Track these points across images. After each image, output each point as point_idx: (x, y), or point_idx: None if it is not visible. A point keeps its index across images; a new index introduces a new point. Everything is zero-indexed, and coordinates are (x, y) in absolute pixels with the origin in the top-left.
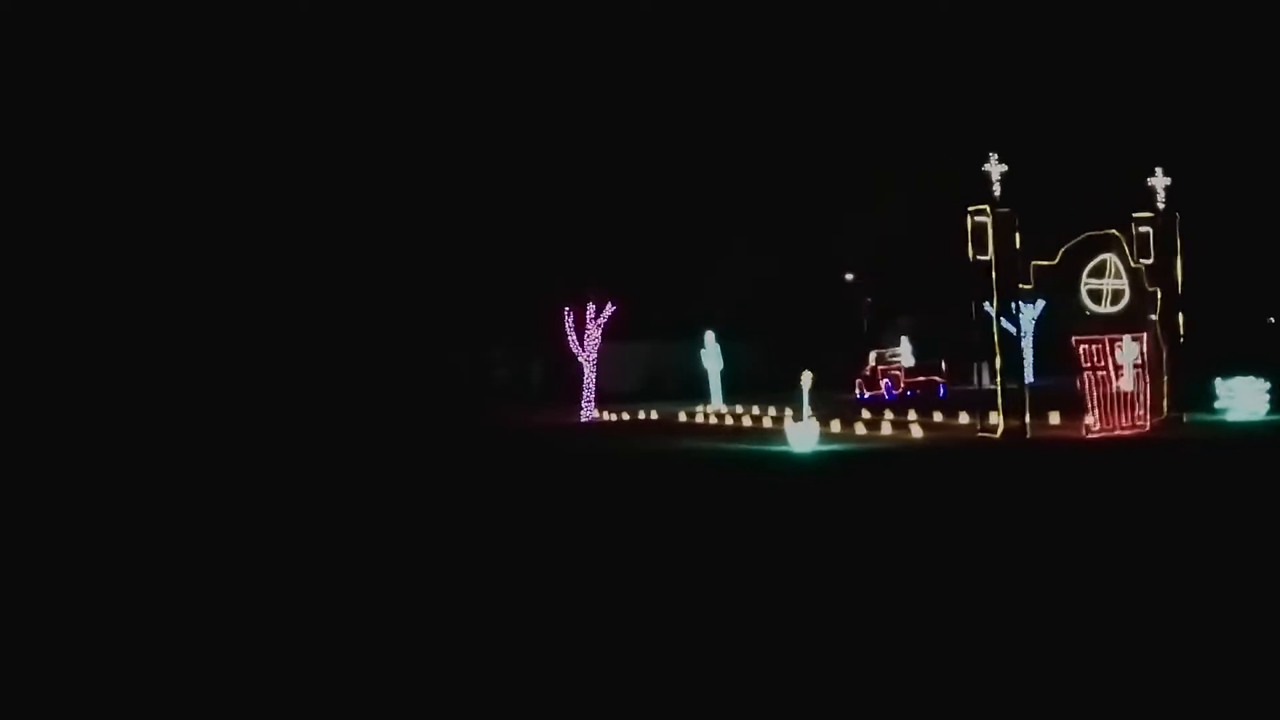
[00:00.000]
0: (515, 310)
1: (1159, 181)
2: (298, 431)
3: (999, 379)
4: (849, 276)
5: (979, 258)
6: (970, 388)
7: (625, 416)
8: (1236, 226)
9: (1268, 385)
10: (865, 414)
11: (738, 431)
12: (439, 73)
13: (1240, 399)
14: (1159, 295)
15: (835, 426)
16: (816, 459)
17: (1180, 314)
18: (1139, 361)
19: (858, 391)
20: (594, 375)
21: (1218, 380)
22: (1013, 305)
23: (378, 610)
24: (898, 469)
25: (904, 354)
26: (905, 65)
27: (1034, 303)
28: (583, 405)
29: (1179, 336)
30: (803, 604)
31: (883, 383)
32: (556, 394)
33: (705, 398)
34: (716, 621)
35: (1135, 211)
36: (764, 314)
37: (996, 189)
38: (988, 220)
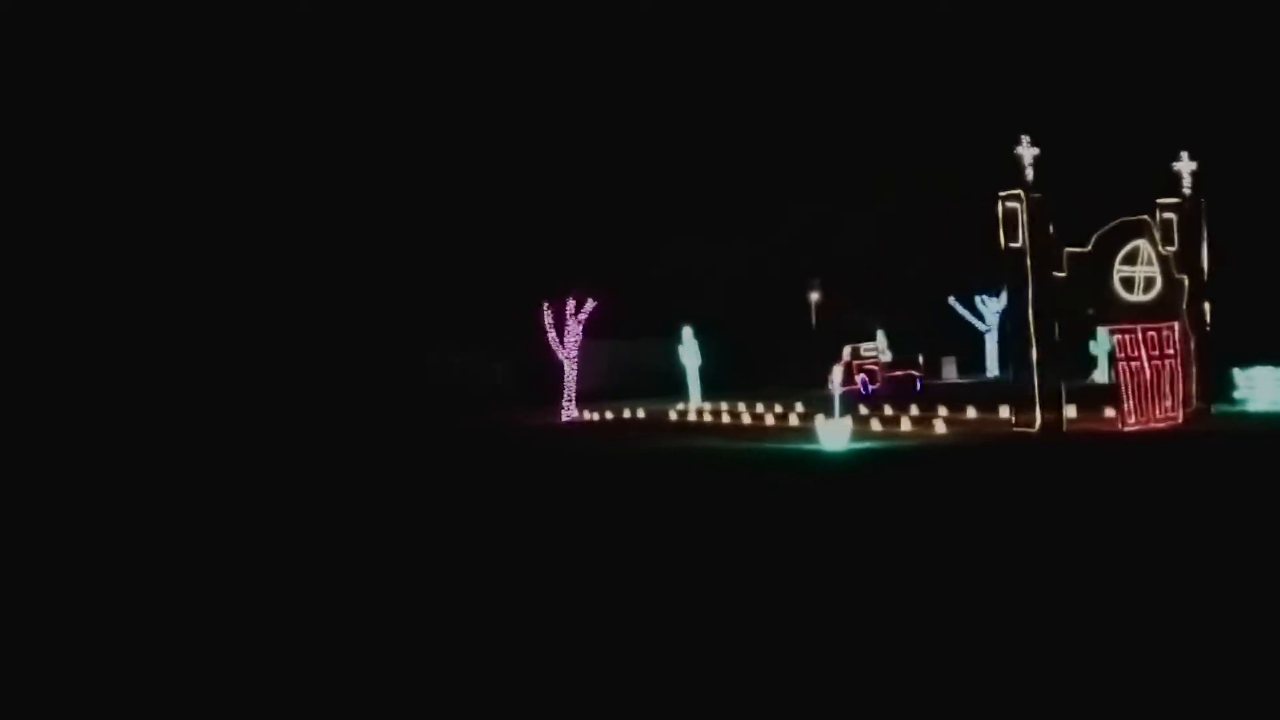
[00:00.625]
0: (477, 309)
1: (1185, 166)
2: (252, 437)
3: (1036, 371)
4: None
5: (1010, 245)
6: (937, 381)
7: (609, 416)
8: (1262, 212)
9: None
10: (865, 410)
11: (741, 430)
12: (403, 65)
13: (1260, 389)
14: (1186, 283)
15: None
16: (855, 458)
17: (1206, 303)
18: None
19: (831, 387)
20: (575, 373)
21: (1236, 370)
22: (978, 298)
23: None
24: (946, 467)
25: (880, 349)
26: (890, 58)
27: (998, 295)
28: (563, 405)
29: (1205, 326)
30: (889, 607)
31: (859, 378)
32: (524, 394)
33: (679, 395)
34: (804, 624)
35: (1160, 197)
36: (720, 310)
37: (1029, 173)
38: (1019, 206)
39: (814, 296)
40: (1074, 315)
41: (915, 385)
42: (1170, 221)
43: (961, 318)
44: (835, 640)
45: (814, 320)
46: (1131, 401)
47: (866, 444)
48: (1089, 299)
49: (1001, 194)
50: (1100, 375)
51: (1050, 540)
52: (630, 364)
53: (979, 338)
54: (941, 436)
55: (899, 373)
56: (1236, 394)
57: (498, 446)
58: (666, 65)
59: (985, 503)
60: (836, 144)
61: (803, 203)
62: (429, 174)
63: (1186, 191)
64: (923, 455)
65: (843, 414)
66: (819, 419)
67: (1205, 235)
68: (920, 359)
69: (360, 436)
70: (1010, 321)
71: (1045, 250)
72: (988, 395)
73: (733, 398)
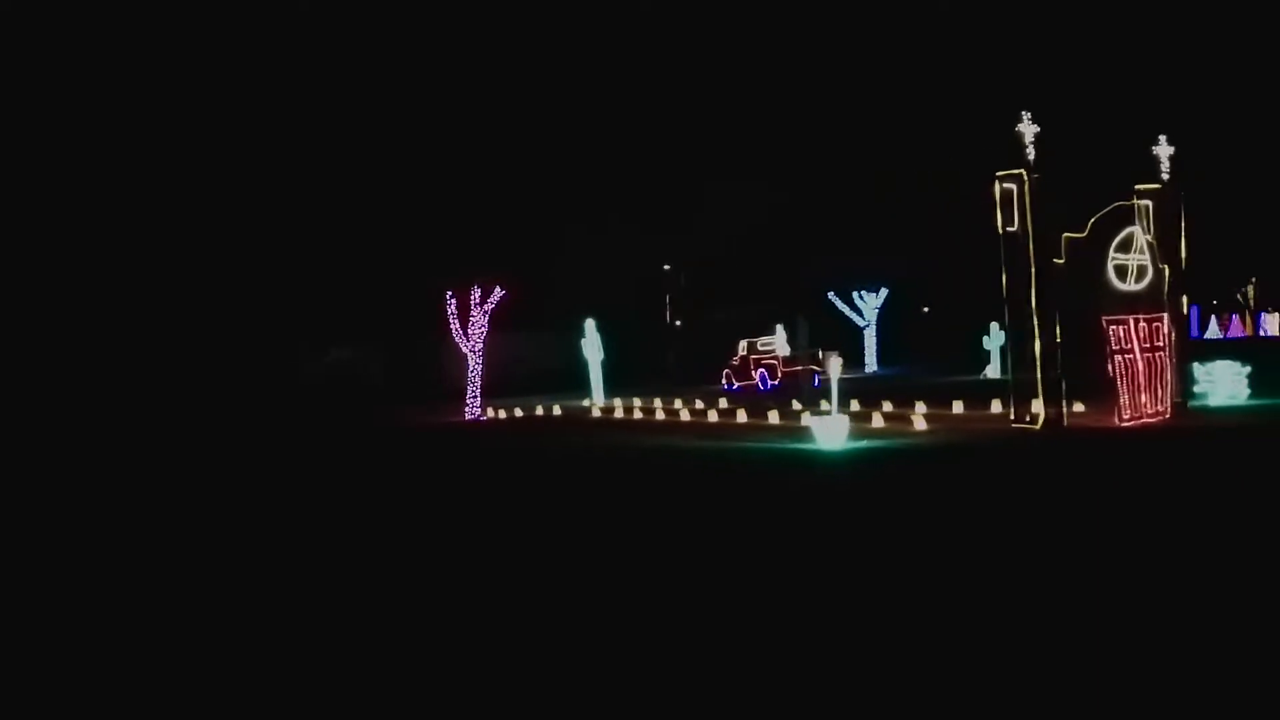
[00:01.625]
0: (353, 301)
1: (1163, 150)
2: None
3: (1039, 365)
4: (666, 267)
5: (1007, 229)
6: (823, 376)
7: (518, 413)
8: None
9: (1247, 369)
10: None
11: (691, 427)
12: (283, 48)
13: (1219, 383)
14: (1167, 273)
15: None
16: (858, 458)
17: (1184, 295)
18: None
19: (725, 382)
20: (480, 367)
21: (1195, 364)
22: (856, 294)
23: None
24: (958, 467)
25: (779, 343)
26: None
27: (877, 291)
28: (467, 402)
29: (1184, 318)
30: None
31: (757, 372)
32: (403, 391)
33: (573, 390)
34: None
35: (1137, 183)
36: (593, 304)
37: (1030, 153)
38: (1015, 188)
39: (667, 294)
40: (1075, 304)
41: (814, 380)
42: (1147, 208)
43: (841, 313)
44: (869, 648)
45: (669, 316)
46: (1127, 396)
47: (865, 443)
48: (1089, 288)
49: (999, 174)
50: (993, 371)
51: (1084, 543)
52: (516, 359)
53: (858, 333)
54: (932, 433)
55: (798, 367)
56: (1196, 388)
57: (448, 450)
58: (553, 53)
59: (1011, 504)
60: (727, 138)
61: (678, 194)
62: (300, 162)
63: (1165, 177)
64: (929, 454)
65: (825, 410)
66: (813, 417)
67: (1184, 224)
68: (820, 353)
69: (284, 441)
70: (1008, 312)
71: (1044, 235)
72: (881, 390)
73: (628, 393)
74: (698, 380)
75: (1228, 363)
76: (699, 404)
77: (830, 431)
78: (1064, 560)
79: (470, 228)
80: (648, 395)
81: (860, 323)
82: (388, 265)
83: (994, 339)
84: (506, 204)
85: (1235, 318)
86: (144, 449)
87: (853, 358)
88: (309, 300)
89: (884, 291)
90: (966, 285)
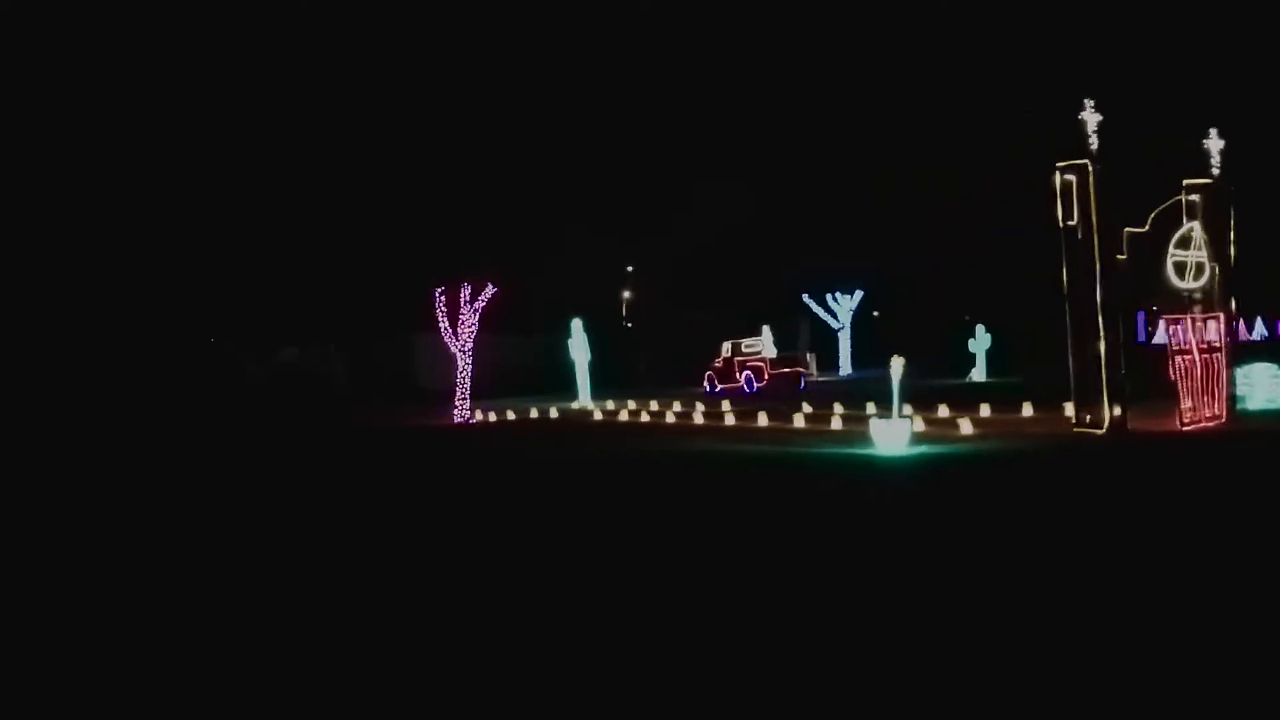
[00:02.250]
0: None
1: (1214, 144)
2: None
3: (1104, 366)
4: (630, 269)
5: (1068, 223)
6: (809, 377)
7: (510, 416)
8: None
9: None
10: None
11: (694, 429)
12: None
13: (1257, 387)
14: (1217, 272)
15: (836, 424)
16: (922, 465)
17: (1232, 296)
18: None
19: (707, 385)
20: (470, 368)
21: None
22: (830, 297)
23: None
24: (1028, 474)
25: (765, 345)
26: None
27: (851, 294)
28: (457, 403)
29: (1233, 319)
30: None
31: (742, 375)
32: (370, 391)
33: (554, 393)
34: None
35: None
36: (569, 307)
37: (1093, 142)
38: (1075, 179)
39: (625, 294)
40: (1136, 302)
41: (800, 383)
42: (1195, 204)
43: (816, 315)
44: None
45: (624, 318)
46: (1189, 399)
47: (925, 448)
48: (1150, 285)
49: (1060, 164)
50: (979, 374)
51: (1187, 555)
52: (495, 361)
53: (833, 335)
54: (984, 437)
55: (785, 369)
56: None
57: (461, 455)
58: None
59: (1105, 512)
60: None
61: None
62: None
63: (1215, 172)
64: (997, 460)
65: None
66: (873, 420)
67: (1233, 221)
68: (808, 356)
69: (270, 447)
70: (1070, 309)
71: (1108, 229)
72: (866, 392)
73: (607, 395)
74: (673, 382)
75: (1265, 365)
76: (700, 406)
77: (891, 436)
78: (1171, 572)
79: (440, 229)
80: (638, 397)
81: (835, 325)
82: (350, 264)
83: (979, 341)
84: (480, 206)
85: None
86: (129, 453)
87: (831, 360)
88: (267, 300)
89: (858, 294)
90: (943, 287)
